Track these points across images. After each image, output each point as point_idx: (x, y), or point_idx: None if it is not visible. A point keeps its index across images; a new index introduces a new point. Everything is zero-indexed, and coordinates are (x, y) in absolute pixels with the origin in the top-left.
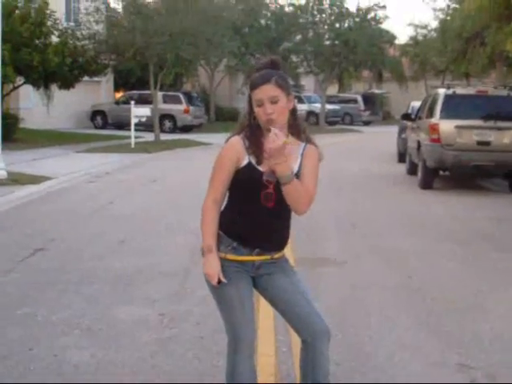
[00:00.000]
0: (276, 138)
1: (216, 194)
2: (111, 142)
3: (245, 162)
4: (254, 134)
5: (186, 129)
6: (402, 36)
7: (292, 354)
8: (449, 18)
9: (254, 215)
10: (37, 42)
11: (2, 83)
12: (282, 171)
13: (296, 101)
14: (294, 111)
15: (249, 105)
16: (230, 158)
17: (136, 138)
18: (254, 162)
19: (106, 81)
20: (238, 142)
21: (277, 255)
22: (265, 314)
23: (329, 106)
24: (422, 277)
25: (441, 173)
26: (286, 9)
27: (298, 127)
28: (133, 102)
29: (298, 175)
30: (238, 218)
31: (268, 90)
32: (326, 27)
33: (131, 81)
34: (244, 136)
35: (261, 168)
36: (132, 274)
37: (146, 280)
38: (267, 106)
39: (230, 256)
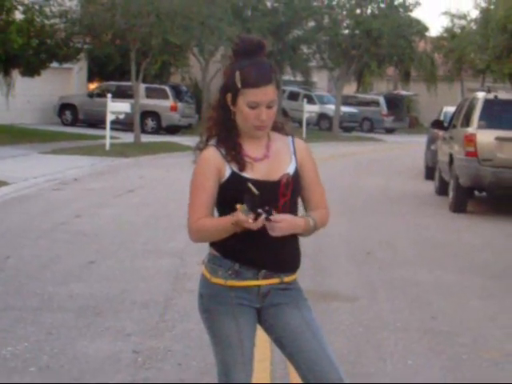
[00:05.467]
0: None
1: (199, 215)
2: (82, 142)
3: (227, 173)
4: (229, 137)
5: (173, 129)
6: (435, 27)
7: None
8: (492, 6)
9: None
10: None
11: None
12: (306, 233)
13: (305, 100)
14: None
15: (224, 96)
16: (209, 172)
17: (112, 138)
18: (236, 169)
19: (79, 68)
20: (213, 153)
21: (287, 278)
22: (259, 354)
23: (345, 109)
24: (448, 317)
25: (476, 194)
26: None
27: (276, 123)
28: (109, 96)
29: (297, 175)
30: (238, 236)
31: (269, 93)
32: (344, 13)
33: (108, 69)
34: (218, 141)
35: (247, 174)
36: (101, 303)
37: (117, 310)
38: (263, 112)
39: (231, 282)
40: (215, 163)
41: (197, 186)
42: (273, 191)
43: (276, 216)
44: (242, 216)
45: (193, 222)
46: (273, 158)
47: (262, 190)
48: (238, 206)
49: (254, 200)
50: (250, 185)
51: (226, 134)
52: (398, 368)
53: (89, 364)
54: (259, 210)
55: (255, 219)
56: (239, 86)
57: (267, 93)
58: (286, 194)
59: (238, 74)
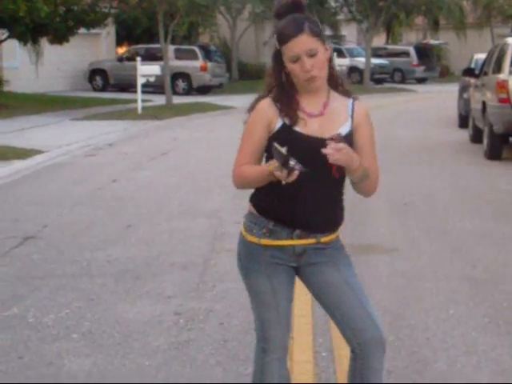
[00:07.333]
0: (334, 151)
1: (243, 161)
2: (114, 107)
3: (278, 125)
4: (286, 94)
5: (204, 90)
6: None
7: (333, 358)
8: None
9: (297, 186)
10: None
11: None
12: (357, 176)
13: (335, 54)
14: (330, 61)
15: (276, 61)
16: (260, 123)
17: (143, 101)
18: (288, 123)
19: (107, 33)
20: (268, 105)
21: (324, 239)
22: (301, 310)
23: (375, 61)
24: (489, 266)
25: (511, 140)
26: None
27: (336, 79)
28: (139, 59)
29: (348, 138)
30: (275, 193)
31: (304, 42)
32: None
33: (136, 33)
34: (274, 98)
35: (298, 129)
36: (140, 266)
37: (157, 273)
38: (306, 62)
39: (265, 241)
40: (268, 114)
41: (246, 134)
42: (321, 148)
43: (337, 144)
44: (277, 172)
45: (236, 168)
46: (327, 116)
47: (311, 146)
48: (271, 164)
49: (284, 158)
50: (277, 144)
51: (283, 92)
52: (439, 318)
53: (130, 328)
54: (291, 164)
55: (289, 174)
56: (278, 47)
57: (301, 42)
58: None
59: (275, 36)
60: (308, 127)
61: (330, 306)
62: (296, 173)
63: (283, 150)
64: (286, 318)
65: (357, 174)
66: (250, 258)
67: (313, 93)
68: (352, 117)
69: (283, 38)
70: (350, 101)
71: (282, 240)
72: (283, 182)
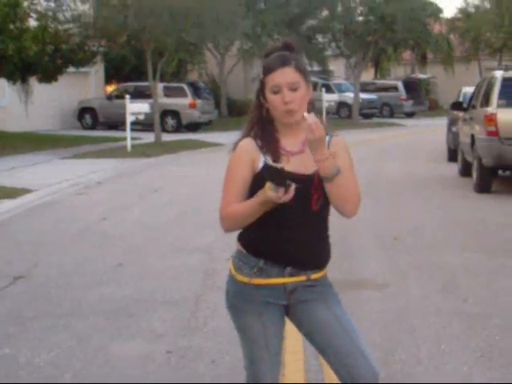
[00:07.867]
0: (314, 126)
1: (229, 202)
2: (103, 145)
3: (261, 164)
4: (266, 131)
5: (193, 127)
6: (449, 8)
7: None
8: None
9: (284, 223)
10: (11, 26)
11: None
12: (327, 167)
13: (324, 90)
14: (311, 102)
15: (258, 97)
16: (243, 162)
17: (133, 139)
18: (270, 161)
19: (95, 72)
20: (249, 143)
21: (314, 276)
22: (292, 346)
23: (363, 96)
24: (480, 299)
25: (500, 173)
26: None
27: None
28: (128, 97)
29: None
30: (264, 231)
31: (287, 74)
32: (357, 0)
33: (125, 71)
34: (254, 135)
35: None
36: (132, 304)
37: (148, 310)
38: (286, 93)
39: (256, 280)
40: (249, 153)
41: (230, 175)
42: (306, 185)
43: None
44: (273, 193)
45: (223, 209)
46: (308, 153)
47: (296, 183)
48: (267, 185)
49: (280, 175)
50: (270, 162)
51: (263, 129)
52: (431, 353)
53: (122, 367)
54: (288, 182)
55: (286, 192)
56: (262, 78)
57: (285, 74)
58: (318, 188)
59: (261, 69)
60: (291, 164)
61: (321, 344)
62: (292, 189)
63: (279, 165)
64: (276, 356)
65: (327, 164)
66: (239, 298)
67: (292, 131)
68: (328, 148)
69: (269, 68)
70: (328, 137)
71: (273, 278)
72: (282, 200)
